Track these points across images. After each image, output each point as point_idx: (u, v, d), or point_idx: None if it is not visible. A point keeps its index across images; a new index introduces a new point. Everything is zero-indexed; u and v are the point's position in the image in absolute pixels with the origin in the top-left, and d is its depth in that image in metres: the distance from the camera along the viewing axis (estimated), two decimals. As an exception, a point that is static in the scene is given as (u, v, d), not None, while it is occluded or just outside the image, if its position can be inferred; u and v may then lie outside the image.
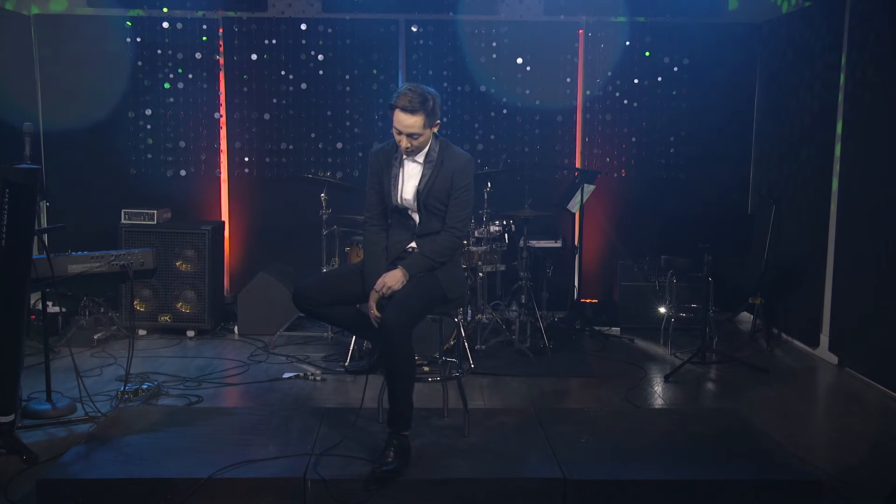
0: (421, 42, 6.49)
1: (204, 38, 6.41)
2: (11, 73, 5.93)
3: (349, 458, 3.41)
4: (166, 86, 6.44)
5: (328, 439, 3.58)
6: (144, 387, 4.54)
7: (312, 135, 6.55)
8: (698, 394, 4.85)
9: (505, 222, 5.82)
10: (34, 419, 4.10)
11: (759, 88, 6.60)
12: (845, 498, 3.39)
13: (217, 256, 6.13)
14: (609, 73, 6.56)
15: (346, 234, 5.62)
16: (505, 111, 6.58)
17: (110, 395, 4.49)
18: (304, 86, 6.49)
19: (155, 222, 5.87)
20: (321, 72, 6.48)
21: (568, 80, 6.58)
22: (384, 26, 6.47)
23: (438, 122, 3.51)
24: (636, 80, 6.58)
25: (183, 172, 6.52)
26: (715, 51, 6.50)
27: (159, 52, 6.40)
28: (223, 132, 6.55)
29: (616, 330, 6.12)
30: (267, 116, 6.52)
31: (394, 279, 3.44)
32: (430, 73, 6.50)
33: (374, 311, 3.43)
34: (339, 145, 6.55)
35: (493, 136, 6.61)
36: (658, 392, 4.84)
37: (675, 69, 6.56)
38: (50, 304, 5.53)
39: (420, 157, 3.54)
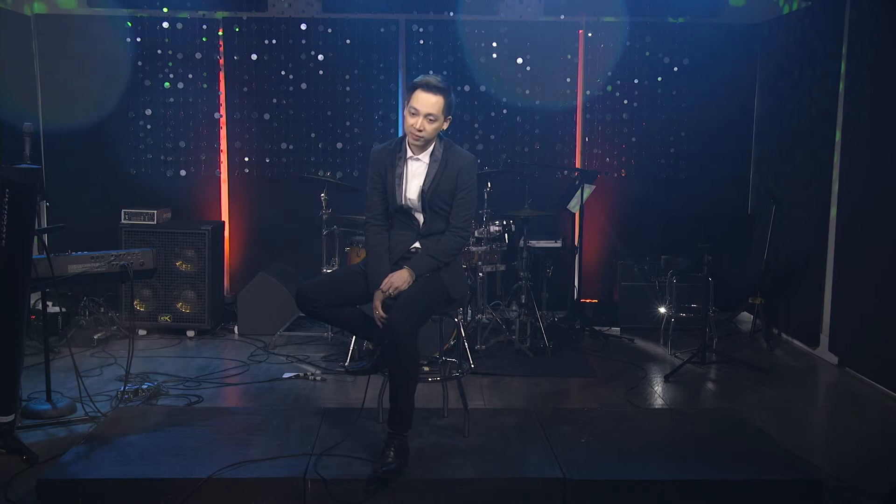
0: (421, 42, 6.50)
1: (204, 39, 6.41)
2: (11, 73, 5.93)
3: (349, 458, 3.41)
4: (166, 86, 6.44)
5: (328, 439, 3.58)
6: (144, 387, 4.53)
7: (312, 135, 6.55)
8: (698, 394, 4.85)
9: (505, 222, 5.83)
10: (34, 419, 4.10)
11: (759, 88, 6.60)
12: (845, 498, 3.39)
13: (217, 256, 6.13)
14: (609, 73, 6.57)
15: (346, 234, 5.61)
16: (505, 111, 6.58)
17: (110, 395, 4.49)
18: (304, 86, 6.49)
19: (155, 222, 5.87)
20: (321, 72, 6.48)
21: (568, 80, 6.58)
22: (384, 26, 6.47)
23: (450, 117, 3.51)
24: (636, 80, 6.59)
25: (183, 172, 6.52)
26: (715, 51, 6.51)
27: (159, 52, 6.40)
28: (223, 132, 6.55)
29: (616, 330, 6.12)
30: (267, 116, 6.52)
31: (400, 279, 3.44)
32: (430, 73, 6.46)
33: (380, 312, 3.42)
34: (339, 145, 6.55)
35: (493, 136, 6.61)
36: (658, 392, 4.84)
37: (675, 69, 6.56)
38: (50, 304, 5.53)
39: (424, 157, 3.53)
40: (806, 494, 3.29)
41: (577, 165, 6.60)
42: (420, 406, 3.65)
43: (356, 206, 5.25)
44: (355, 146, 6.54)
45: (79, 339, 5.50)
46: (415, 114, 3.41)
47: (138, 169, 6.49)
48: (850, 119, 5.18)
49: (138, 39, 6.38)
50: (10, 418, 3.66)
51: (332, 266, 5.55)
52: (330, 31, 6.45)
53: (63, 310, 5.74)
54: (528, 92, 6.56)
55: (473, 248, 5.52)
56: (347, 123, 6.55)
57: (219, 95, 6.50)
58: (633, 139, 6.64)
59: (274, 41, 6.44)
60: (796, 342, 5.85)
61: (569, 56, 6.56)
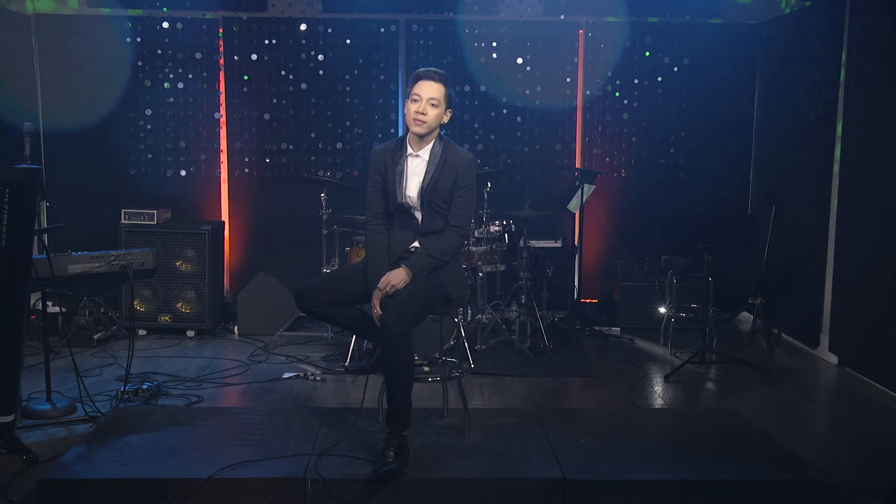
0: (421, 42, 6.50)
1: (204, 39, 6.41)
2: (11, 73, 5.93)
3: (349, 458, 3.41)
4: (166, 86, 6.44)
5: (328, 439, 3.58)
6: (144, 387, 4.53)
7: (312, 135, 6.55)
8: (698, 394, 4.85)
9: (505, 222, 5.83)
10: (34, 419, 4.10)
11: (759, 88, 6.60)
12: (845, 498, 3.39)
13: (217, 256, 6.13)
14: (609, 73, 6.57)
15: (346, 234, 5.61)
16: (505, 111, 6.58)
17: (110, 395, 4.49)
18: (304, 86, 6.49)
19: (155, 222, 5.87)
20: (321, 72, 6.48)
21: (568, 80, 6.58)
22: (384, 26, 6.47)
23: (451, 111, 3.55)
24: (636, 80, 6.59)
25: (183, 172, 6.52)
26: (715, 51, 6.51)
27: (159, 52, 6.40)
28: (223, 132, 6.55)
29: (616, 330, 6.12)
30: (267, 116, 6.52)
31: (397, 278, 3.44)
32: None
33: (378, 311, 3.43)
34: (339, 145, 6.55)
35: (493, 136, 6.61)
36: (658, 392, 4.84)
37: (675, 69, 6.56)
38: (50, 304, 5.52)
39: (424, 153, 3.55)
40: (806, 494, 3.29)
41: (577, 165, 6.60)
42: (420, 406, 3.65)
43: (356, 206, 5.25)
44: (355, 146, 6.54)
45: (79, 339, 5.49)
46: (417, 100, 3.46)
47: (138, 169, 6.49)
48: (851, 119, 5.18)
49: (138, 39, 6.38)
50: (10, 418, 3.66)
51: (332, 266, 5.55)
52: (330, 31, 6.46)
53: (63, 310, 5.74)
54: (528, 92, 6.56)
55: (473, 248, 5.52)
56: (347, 123, 6.55)
57: (219, 95, 6.50)
58: (633, 139, 6.64)
59: (274, 41, 6.44)
60: (796, 342, 5.85)
61: (569, 56, 6.56)
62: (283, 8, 6.47)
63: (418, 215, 3.60)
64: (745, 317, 6.40)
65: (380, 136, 6.47)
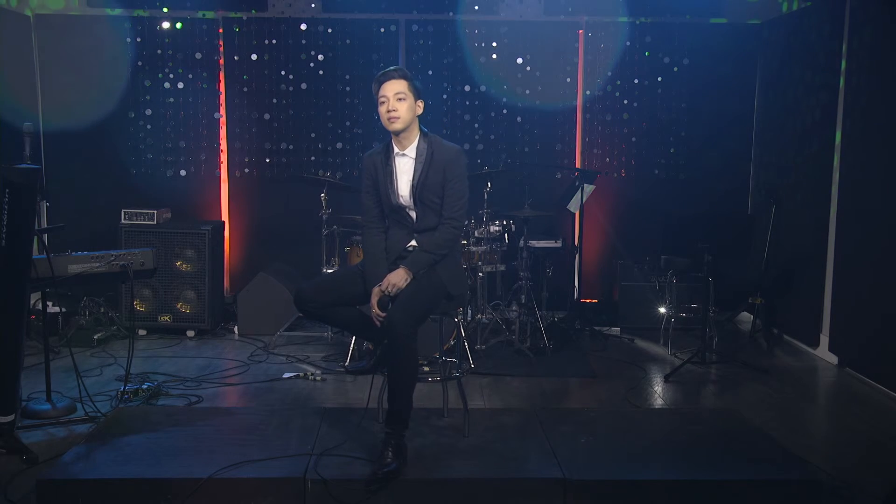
0: (421, 42, 6.50)
1: (204, 38, 6.41)
2: (11, 73, 5.93)
3: (349, 458, 3.41)
4: (166, 86, 6.44)
5: (328, 439, 3.58)
6: (144, 387, 4.53)
7: (312, 135, 6.55)
8: (698, 394, 4.85)
9: (505, 222, 5.82)
10: (34, 419, 4.10)
11: (759, 88, 6.60)
12: (845, 498, 3.39)
13: (217, 256, 6.13)
14: (609, 73, 6.57)
15: (346, 234, 5.61)
16: (505, 111, 6.59)
17: (110, 395, 4.49)
18: (304, 86, 6.49)
19: (155, 222, 5.87)
20: (321, 72, 6.49)
21: (568, 80, 6.58)
22: (384, 26, 6.47)
23: (422, 102, 3.59)
24: (636, 80, 6.59)
25: (183, 172, 6.52)
26: (715, 51, 6.50)
27: (159, 52, 6.40)
28: (223, 132, 6.55)
29: (616, 330, 6.12)
30: (267, 116, 6.52)
31: (398, 278, 3.46)
32: (430, 73, 6.50)
33: (377, 310, 3.44)
34: (339, 145, 6.55)
35: (493, 136, 6.61)
36: (658, 392, 4.84)
37: (675, 69, 6.56)
38: (50, 304, 5.53)
39: (410, 151, 3.60)
40: (806, 494, 3.29)
41: (577, 165, 6.60)
42: (420, 406, 3.65)
43: (356, 205, 5.22)
44: (355, 146, 6.55)
45: (79, 339, 5.49)
46: (384, 101, 3.53)
47: (138, 169, 6.49)
48: (851, 119, 5.18)
49: (138, 39, 6.38)
50: (10, 418, 3.66)
51: (332, 266, 5.55)
52: (330, 31, 6.46)
53: (63, 310, 5.74)
54: (528, 92, 6.56)
55: (473, 248, 5.52)
56: (347, 123, 6.55)
57: (219, 95, 6.50)
58: (633, 139, 6.64)
59: (274, 41, 6.44)
60: (796, 342, 5.85)
61: (569, 56, 6.56)
62: (283, 8, 6.47)
63: (413, 214, 3.63)
64: (745, 317, 6.40)
65: (380, 135, 6.46)
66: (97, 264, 4.27)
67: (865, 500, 3.38)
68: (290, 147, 6.56)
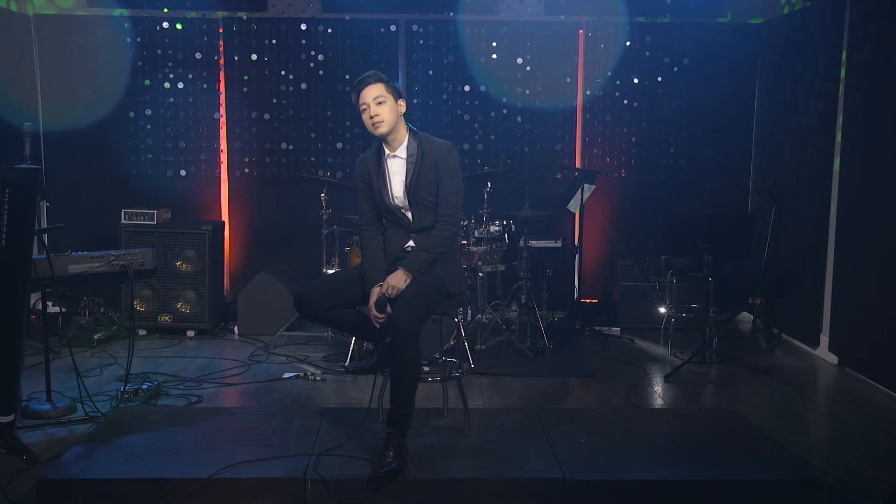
0: (421, 42, 6.50)
1: (204, 38, 6.41)
2: (11, 73, 5.93)
3: (349, 458, 3.41)
4: (166, 86, 6.44)
5: (328, 439, 3.58)
6: (144, 387, 4.54)
7: (312, 135, 6.55)
8: (698, 394, 4.85)
9: (505, 222, 5.82)
10: (34, 419, 4.10)
11: (759, 89, 6.60)
12: (845, 498, 3.39)
13: (217, 256, 6.13)
14: (609, 73, 6.56)
15: (346, 234, 5.62)
16: (505, 111, 6.58)
17: (110, 395, 4.49)
18: (304, 86, 6.49)
19: (155, 222, 5.87)
20: (321, 72, 6.49)
21: (568, 80, 6.58)
22: (384, 26, 6.47)
23: (404, 100, 3.58)
24: (636, 80, 6.58)
25: (183, 172, 6.52)
26: (715, 51, 6.50)
27: (159, 52, 6.40)
28: (223, 132, 6.55)
29: (616, 330, 6.12)
30: (267, 116, 6.52)
31: (398, 279, 3.46)
32: (430, 73, 6.50)
33: (375, 311, 3.44)
34: (339, 145, 6.55)
35: (493, 136, 6.61)
36: (658, 392, 4.84)
37: (675, 69, 6.56)
38: (50, 304, 5.52)
39: (401, 152, 3.59)
40: (806, 494, 3.29)
41: (577, 165, 6.60)
42: (420, 406, 3.65)
43: (356, 206, 5.23)
44: (355, 146, 6.54)
45: (79, 340, 5.49)
46: (365, 108, 3.52)
47: (138, 169, 6.49)
48: (851, 119, 5.18)
49: (138, 39, 6.38)
50: (10, 418, 3.66)
51: (332, 266, 5.56)
52: (330, 31, 6.46)
53: (63, 310, 5.74)
54: (528, 92, 6.55)
55: (473, 248, 5.52)
56: (347, 123, 6.55)
57: (219, 95, 6.50)
58: (633, 139, 6.64)
59: (274, 41, 6.44)
60: (796, 342, 5.85)
61: (569, 56, 6.56)
62: (283, 8, 6.47)
63: (409, 214, 3.64)
64: (745, 317, 6.40)
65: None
66: (97, 264, 4.27)
67: (865, 500, 3.38)
68: (290, 147, 6.56)
